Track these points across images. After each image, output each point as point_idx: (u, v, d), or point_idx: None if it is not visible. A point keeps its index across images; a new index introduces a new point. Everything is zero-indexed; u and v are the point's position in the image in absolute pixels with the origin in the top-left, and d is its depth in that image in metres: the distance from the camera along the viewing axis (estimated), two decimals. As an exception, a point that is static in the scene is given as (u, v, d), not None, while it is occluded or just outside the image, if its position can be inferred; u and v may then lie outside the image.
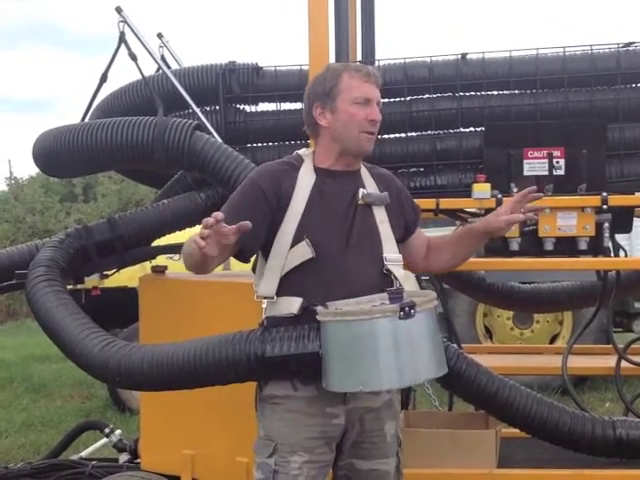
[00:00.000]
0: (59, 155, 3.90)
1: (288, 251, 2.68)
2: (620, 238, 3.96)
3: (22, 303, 15.76)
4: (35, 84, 51.54)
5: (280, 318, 2.71)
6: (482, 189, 3.73)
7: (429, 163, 4.16)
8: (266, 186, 2.71)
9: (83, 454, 4.87)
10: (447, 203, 3.87)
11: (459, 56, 4.13)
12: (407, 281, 2.74)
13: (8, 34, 50.79)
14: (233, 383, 2.89)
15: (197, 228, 4.15)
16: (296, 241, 2.67)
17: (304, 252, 2.67)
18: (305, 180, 2.75)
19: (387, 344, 2.48)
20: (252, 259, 2.85)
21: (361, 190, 2.78)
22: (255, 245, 2.72)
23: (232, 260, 2.80)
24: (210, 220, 2.41)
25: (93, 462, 4.41)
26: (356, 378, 2.52)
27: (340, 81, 2.75)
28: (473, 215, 3.91)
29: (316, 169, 2.78)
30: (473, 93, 4.17)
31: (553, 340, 8.11)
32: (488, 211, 3.74)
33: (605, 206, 3.69)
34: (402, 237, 2.89)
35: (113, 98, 4.41)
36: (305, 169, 2.78)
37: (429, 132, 4.21)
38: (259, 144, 4.39)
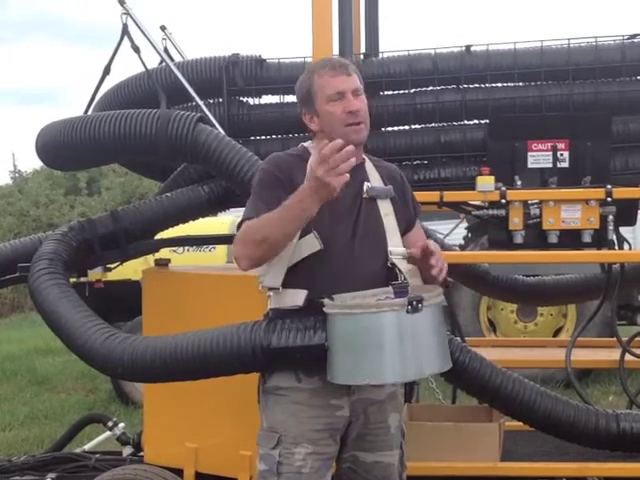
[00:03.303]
0: (62, 148, 3.89)
1: (296, 243, 2.67)
2: (624, 231, 3.95)
3: (26, 296, 15.72)
4: (39, 76, 51.45)
5: (285, 310, 2.71)
6: (486, 182, 3.72)
7: (433, 156, 4.16)
8: (281, 174, 2.71)
9: (86, 447, 4.87)
10: (451, 196, 3.86)
11: (463, 48, 4.13)
12: (412, 275, 2.73)
13: (13, 26, 50.75)
14: (237, 374, 2.88)
15: (200, 221, 4.23)
16: (303, 233, 2.66)
17: (312, 244, 2.67)
18: (312, 173, 2.74)
19: (393, 338, 2.48)
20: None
21: (366, 184, 2.78)
22: None
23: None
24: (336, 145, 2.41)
25: (96, 455, 4.41)
26: (361, 371, 2.52)
27: (312, 83, 2.76)
28: (477, 208, 3.90)
29: (321, 162, 2.77)
30: (477, 85, 4.17)
31: (557, 333, 8.08)
32: (492, 204, 3.74)
33: (609, 199, 3.68)
34: (403, 232, 2.88)
35: (116, 90, 4.41)
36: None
37: (433, 124, 4.21)
38: (262, 136, 4.39)
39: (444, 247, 4.46)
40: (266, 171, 2.77)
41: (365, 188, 2.77)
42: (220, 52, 4.32)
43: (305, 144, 2.87)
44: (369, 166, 2.86)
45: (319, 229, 2.65)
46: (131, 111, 3.77)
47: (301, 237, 2.66)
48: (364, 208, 2.75)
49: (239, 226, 2.74)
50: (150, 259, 4.37)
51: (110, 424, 4.63)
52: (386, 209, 2.79)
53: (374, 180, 2.82)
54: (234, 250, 2.71)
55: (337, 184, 2.44)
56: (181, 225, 4.20)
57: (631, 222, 3.98)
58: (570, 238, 3.77)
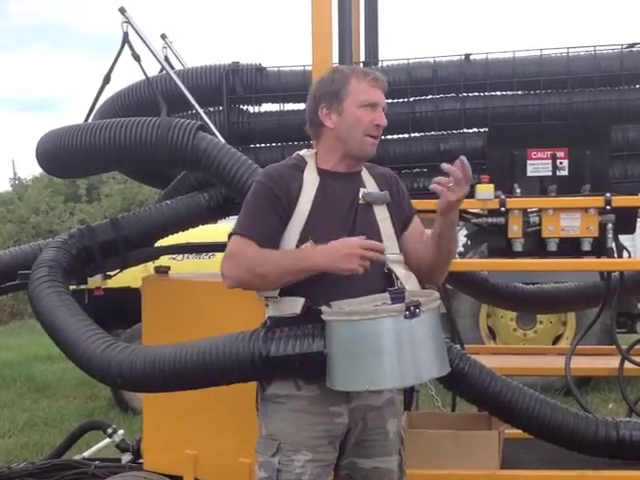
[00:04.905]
0: (62, 155, 3.89)
1: (292, 252, 2.68)
2: (624, 239, 3.96)
3: (26, 303, 15.69)
4: (39, 84, 51.43)
5: (283, 318, 2.71)
6: (486, 190, 3.72)
7: (432, 164, 4.16)
8: (277, 188, 2.72)
9: (86, 454, 4.86)
10: (450, 203, 3.85)
11: (462, 57, 4.14)
12: (408, 280, 2.74)
13: (14, 35, 50.75)
14: (236, 383, 2.89)
15: (200, 228, 4.23)
16: (300, 242, 2.68)
17: (308, 253, 2.67)
18: (310, 181, 2.75)
19: (392, 343, 2.49)
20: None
21: (362, 190, 2.79)
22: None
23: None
24: (381, 246, 2.61)
25: (96, 462, 4.41)
26: (360, 377, 2.52)
27: (348, 84, 2.75)
28: (476, 216, 3.90)
29: (319, 170, 2.78)
30: (477, 94, 4.18)
31: (556, 341, 8.08)
32: (491, 212, 3.75)
33: (609, 207, 3.69)
34: (400, 233, 2.88)
35: (117, 98, 4.42)
36: (309, 170, 2.78)
37: (432, 133, 4.22)
38: (262, 144, 4.40)
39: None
40: (263, 184, 2.77)
41: (361, 194, 2.77)
42: (220, 60, 4.33)
43: (301, 152, 2.87)
44: (364, 172, 2.87)
45: (316, 237, 2.66)
46: (131, 119, 3.78)
47: (298, 246, 2.68)
48: (360, 214, 2.75)
49: (229, 237, 2.75)
50: (150, 266, 4.37)
51: (109, 431, 4.63)
52: (382, 214, 2.80)
53: (370, 187, 2.83)
54: (221, 264, 2.72)
55: (352, 269, 2.56)
56: (181, 232, 4.20)
57: (630, 230, 3.98)
58: (569, 246, 3.78)
